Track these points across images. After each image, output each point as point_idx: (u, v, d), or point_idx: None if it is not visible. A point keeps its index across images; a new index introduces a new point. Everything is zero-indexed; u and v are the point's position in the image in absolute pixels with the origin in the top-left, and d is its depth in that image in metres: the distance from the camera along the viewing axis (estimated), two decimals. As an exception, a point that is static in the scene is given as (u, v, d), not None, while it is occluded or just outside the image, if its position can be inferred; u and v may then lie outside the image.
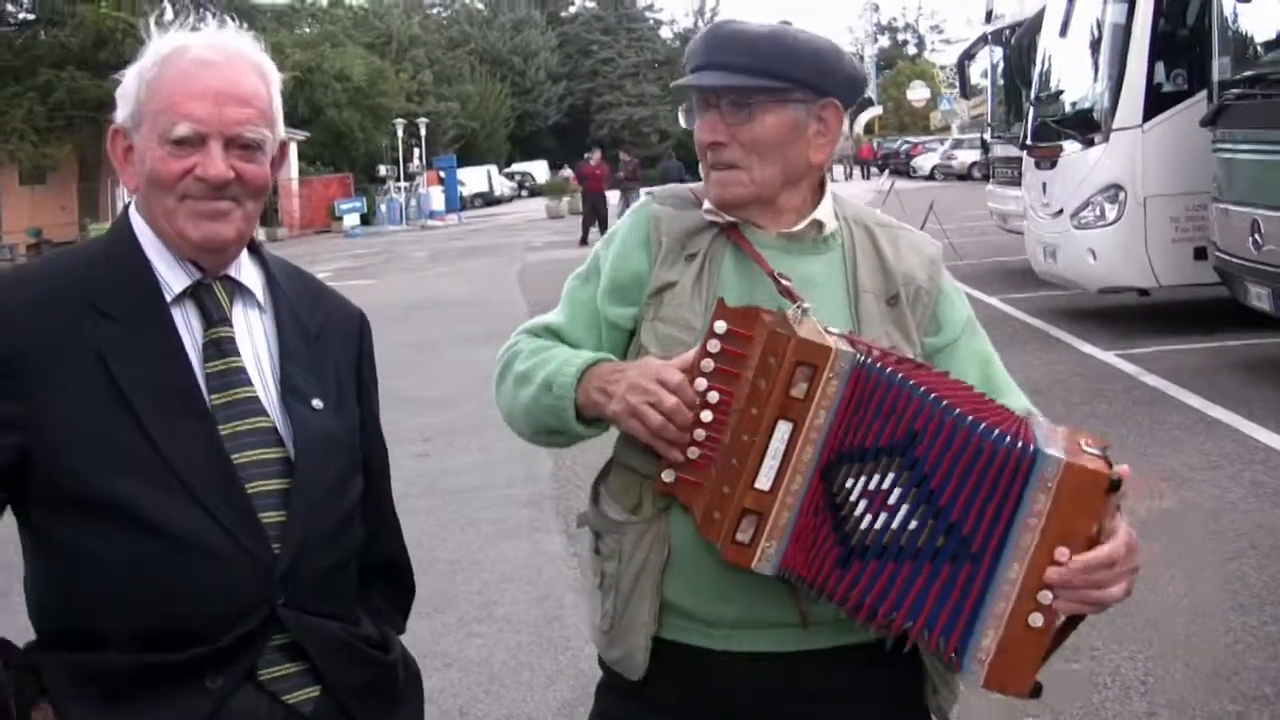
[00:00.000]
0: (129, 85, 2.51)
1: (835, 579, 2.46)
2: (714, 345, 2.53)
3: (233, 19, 2.68)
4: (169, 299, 2.50)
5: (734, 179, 2.72)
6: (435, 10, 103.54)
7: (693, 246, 2.77)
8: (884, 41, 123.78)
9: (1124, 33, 13.56)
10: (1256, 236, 10.90)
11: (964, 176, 56.60)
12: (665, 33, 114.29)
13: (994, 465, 2.34)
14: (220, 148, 2.45)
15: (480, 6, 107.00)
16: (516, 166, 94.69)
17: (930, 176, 63.71)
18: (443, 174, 65.30)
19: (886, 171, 64.53)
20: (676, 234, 2.79)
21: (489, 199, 79.07)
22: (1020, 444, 2.33)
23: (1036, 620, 2.35)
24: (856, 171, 70.89)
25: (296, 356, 2.60)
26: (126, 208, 2.60)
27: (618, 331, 2.81)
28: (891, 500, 2.42)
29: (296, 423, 2.51)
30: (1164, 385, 11.52)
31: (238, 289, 2.59)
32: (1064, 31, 15.49)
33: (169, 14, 47.06)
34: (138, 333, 2.43)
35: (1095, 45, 14.41)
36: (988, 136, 23.79)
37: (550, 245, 36.54)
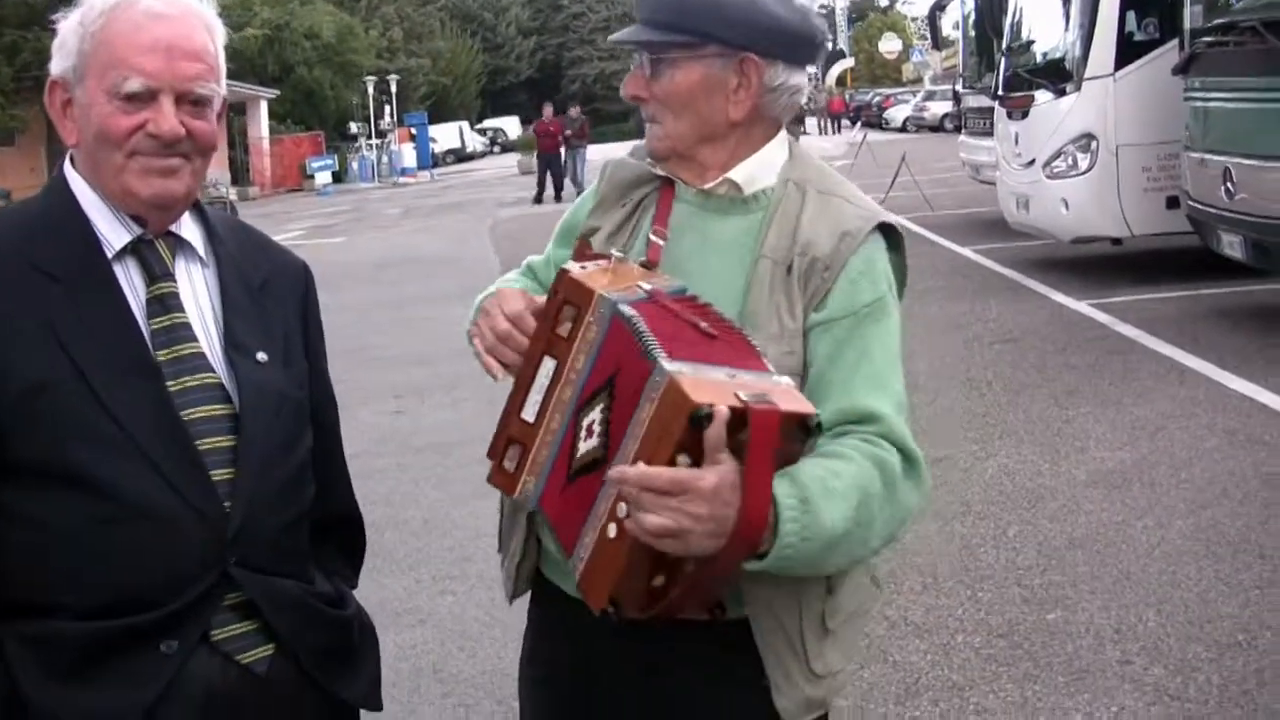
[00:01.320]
0: (68, 36, 2.43)
1: (558, 515, 2.46)
2: None
3: None
4: (110, 255, 2.44)
5: (653, 132, 2.72)
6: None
7: (631, 196, 2.79)
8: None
9: (1095, -20, 13.51)
10: (1228, 185, 10.89)
11: (936, 128, 56.73)
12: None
13: (638, 373, 2.26)
14: (171, 103, 2.39)
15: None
16: (488, 122, 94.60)
17: (903, 128, 63.84)
18: (414, 131, 65.13)
19: (859, 124, 64.49)
20: (617, 183, 2.81)
21: (461, 155, 78.96)
22: (655, 353, 2.24)
23: (611, 531, 2.26)
24: (829, 125, 70.73)
25: (240, 310, 2.55)
26: (60, 164, 2.54)
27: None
28: (593, 427, 2.39)
29: (242, 377, 2.47)
30: (1137, 334, 11.52)
31: (179, 244, 2.54)
32: (1036, -20, 15.47)
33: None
34: (81, 292, 2.38)
35: (1067, -7, 14.35)
36: (959, 88, 23.75)
37: (522, 201, 36.44)
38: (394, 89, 63.65)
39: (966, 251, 17.33)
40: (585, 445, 2.40)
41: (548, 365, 2.48)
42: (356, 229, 32.57)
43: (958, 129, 25.63)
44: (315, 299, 2.81)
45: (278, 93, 56.88)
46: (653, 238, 2.66)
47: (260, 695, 2.47)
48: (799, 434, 2.28)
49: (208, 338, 2.49)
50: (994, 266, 16.06)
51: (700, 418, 2.14)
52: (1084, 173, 13.63)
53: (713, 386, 2.20)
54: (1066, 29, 14.30)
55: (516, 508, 2.75)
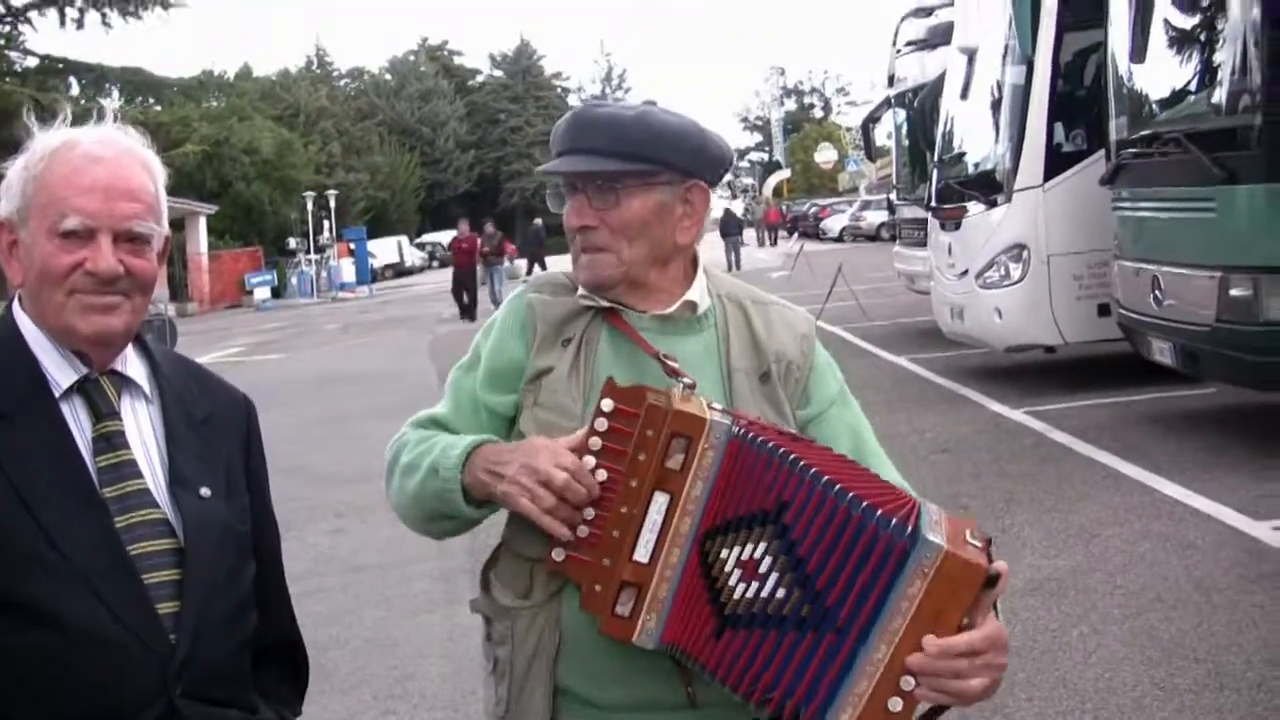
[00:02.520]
0: (13, 181, 2.53)
1: (711, 650, 2.47)
2: (601, 424, 2.55)
3: (133, 94, 2.67)
4: (57, 395, 2.50)
5: (603, 261, 2.75)
6: (343, 82, 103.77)
7: (569, 332, 2.80)
8: (790, 105, 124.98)
9: (1023, 94, 13.78)
10: (1157, 292, 11.07)
11: (873, 237, 57.22)
12: (573, 100, 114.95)
13: (869, 542, 2.32)
14: (109, 242, 2.47)
15: (388, 78, 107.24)
16: (427, 237, 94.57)
17: (839, 238, 64.32)
18: (353, 245, 65.06)
19: (796, 235, 64.94)
20: (552, 320, 2.82)
21: (400, 270, 78.83)
22: (901, 526, 2.30)
23: (896, 705, 2.32)
24: (766, 236, 71.09)
25: (184, 445, 2.61)
26: (9, 305, 2.60)
27: (498, 419, 2.83)
28: (762, 569, 2.43)
29: (186, 512, 2.52)
30: (1072, 441, 11.65)
31: (124, 382, 2.60)
32: (965, 94, 15.70)
33: (74, 89, 46.68)
34: (29, 431, 2.44)
35: (995, 107, 14.63)
36: (894, 198, 24.02)
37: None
38: (333, 204, 63.73)
39: (903, 361, 17.50)
40: (746, 589, 2.45)
41: (660, 500, 2.51)
42: (296, 345, 32.50)
43: (894, 238, 25.88)
44: (257, 431, 2.87)
45: (216, 208, 56.90)
46: (671, 363, 2.69)
47: None
48: None
49: (152, 473, 2.54)
50: (930, 376, 16.22)
51: (995, 579, 2.30)
52: (1016, 282, 13.81)
53: (951, 534, 2.34)
54: (996, 141, 14.54)
55: (531, 666, 2.72)
